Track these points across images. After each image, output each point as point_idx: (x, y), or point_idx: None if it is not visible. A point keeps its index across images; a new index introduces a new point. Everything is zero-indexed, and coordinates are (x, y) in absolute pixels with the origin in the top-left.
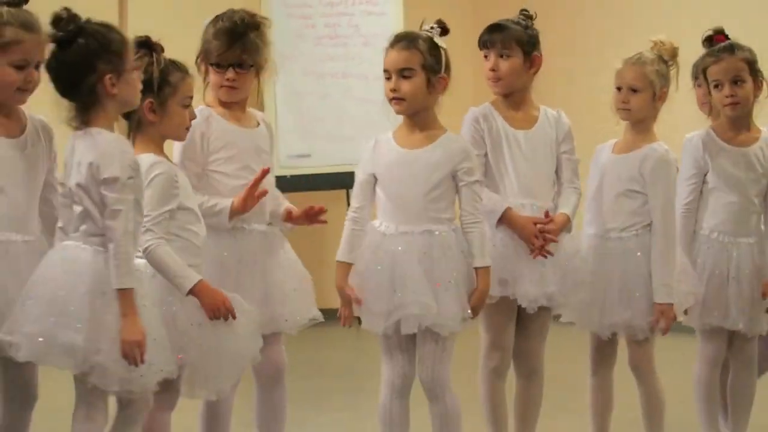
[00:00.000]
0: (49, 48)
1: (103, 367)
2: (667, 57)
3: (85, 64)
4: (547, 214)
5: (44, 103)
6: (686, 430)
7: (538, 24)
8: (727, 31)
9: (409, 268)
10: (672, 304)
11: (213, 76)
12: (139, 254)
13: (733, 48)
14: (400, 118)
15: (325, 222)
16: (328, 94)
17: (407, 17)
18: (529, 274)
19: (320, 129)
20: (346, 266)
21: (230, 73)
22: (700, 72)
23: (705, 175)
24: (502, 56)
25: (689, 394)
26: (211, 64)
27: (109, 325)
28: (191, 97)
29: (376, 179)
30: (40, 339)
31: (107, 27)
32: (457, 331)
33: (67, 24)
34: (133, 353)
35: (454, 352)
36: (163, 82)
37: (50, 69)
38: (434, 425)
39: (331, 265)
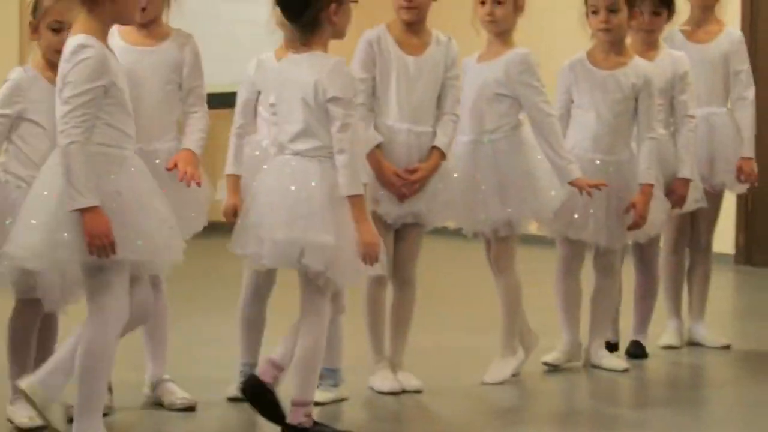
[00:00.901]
0: None
1: (344, 264)
2: None
3: None
4: (412, 171)
5: None
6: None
7: None
8: None
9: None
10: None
11: None
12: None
13: None
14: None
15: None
16: (217, 15)
17: None
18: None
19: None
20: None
21: None
22: None
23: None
24: None
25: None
26: None
27: (347, 226)
28: None
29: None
30: (293, 242)
31: None
32: None
33: None
34: (374, 254)
35: None
36: None
37: None
38: None
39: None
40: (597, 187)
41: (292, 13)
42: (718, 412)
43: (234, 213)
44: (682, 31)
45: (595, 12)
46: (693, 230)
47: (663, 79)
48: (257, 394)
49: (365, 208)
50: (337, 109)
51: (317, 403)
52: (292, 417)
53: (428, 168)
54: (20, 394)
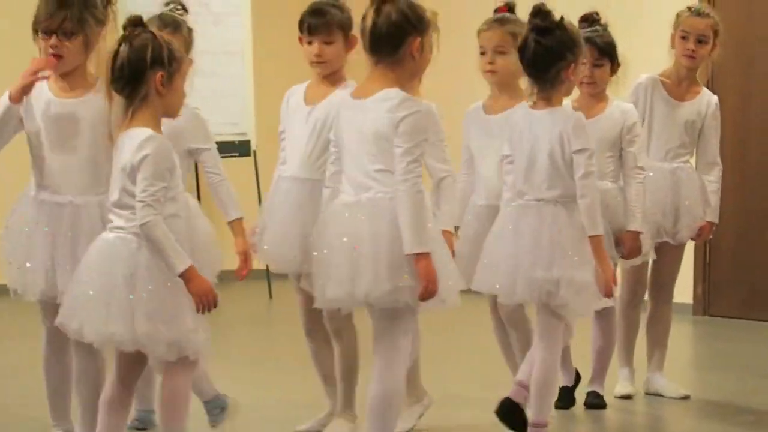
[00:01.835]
0: None
1: (589, 297)
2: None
3: (561, 51)
4: None
5: None
6: None
7: None
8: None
9: None
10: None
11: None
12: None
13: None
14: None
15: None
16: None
17: None
18: None
19: None
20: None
21: (54, 40)
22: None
23: None
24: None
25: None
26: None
27: (592, 263)
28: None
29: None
30: (549, 280)
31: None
32: None
33: (545, 17)
34: (611, 288)
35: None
36: (171, 57)
37: (528, 52)
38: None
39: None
40: None
41: (537, 71)
42: None
43: None
44: (663, 84)
45: (483, 53)
46: (654, 281)
47: (612, 132)
48: (510, 413)
49: (603, 246)
50: (580, 158)
51: None
52: None
53: None
54: None
